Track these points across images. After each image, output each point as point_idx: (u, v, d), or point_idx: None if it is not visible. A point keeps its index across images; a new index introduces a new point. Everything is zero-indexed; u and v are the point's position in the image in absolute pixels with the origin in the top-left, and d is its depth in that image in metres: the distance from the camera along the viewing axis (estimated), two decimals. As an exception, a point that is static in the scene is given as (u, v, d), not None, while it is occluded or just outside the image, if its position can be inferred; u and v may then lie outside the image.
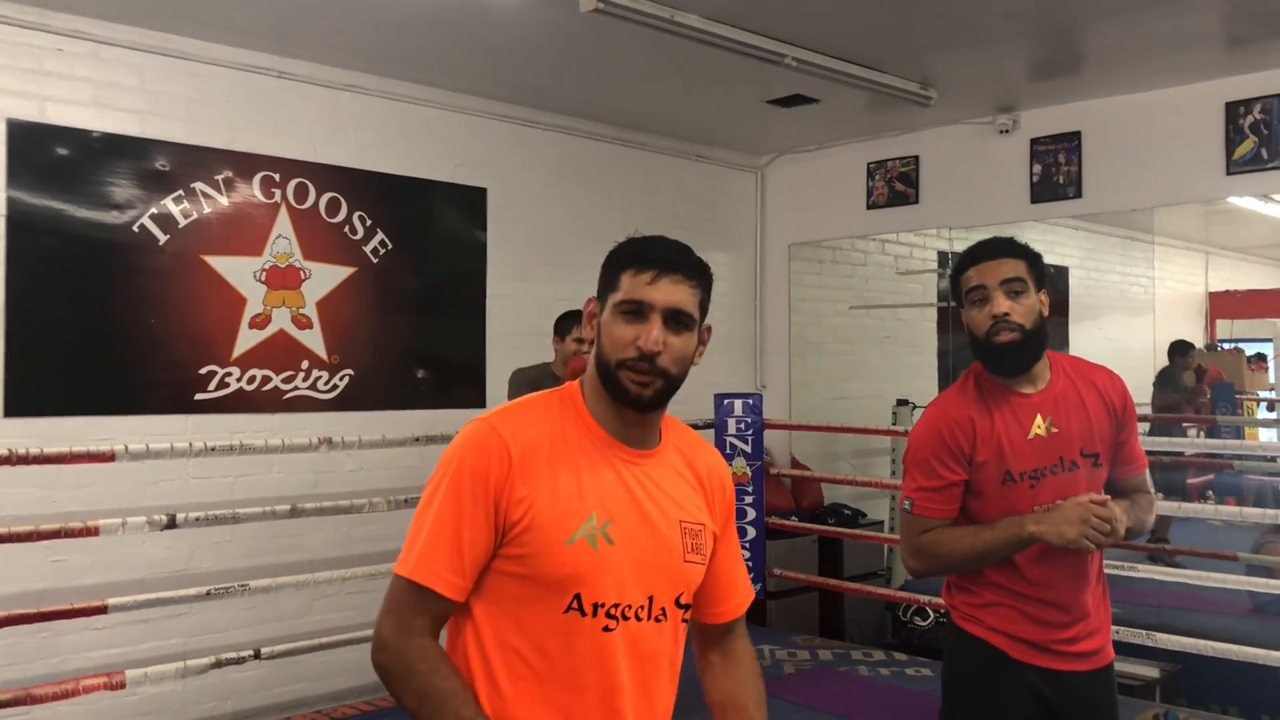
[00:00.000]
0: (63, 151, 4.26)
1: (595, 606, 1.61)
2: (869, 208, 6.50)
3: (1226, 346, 7.03)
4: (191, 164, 4.58)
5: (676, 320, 1.66)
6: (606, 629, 1.62)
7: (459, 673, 1.61)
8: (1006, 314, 2.33)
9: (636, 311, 1.65)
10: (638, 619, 1.65)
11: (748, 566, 5.94)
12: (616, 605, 1.63)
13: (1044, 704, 2.36)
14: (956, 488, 2.39)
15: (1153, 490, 2.57)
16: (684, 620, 1.75)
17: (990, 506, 2.38)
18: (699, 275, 1.70)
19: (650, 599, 1.67)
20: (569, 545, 1.60)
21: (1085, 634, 2.39)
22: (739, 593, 1.87)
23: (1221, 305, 7.09)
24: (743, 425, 5.94)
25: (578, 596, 1.60)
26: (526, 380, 4.48)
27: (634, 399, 1.66)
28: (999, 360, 2.39)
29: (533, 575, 1.60)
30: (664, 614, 1.69)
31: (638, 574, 1.65)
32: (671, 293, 1.65)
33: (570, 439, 1.67)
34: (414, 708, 1.59)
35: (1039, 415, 2.40)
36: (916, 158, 6.29)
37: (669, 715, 1.74)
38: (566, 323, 4.59)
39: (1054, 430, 2.39)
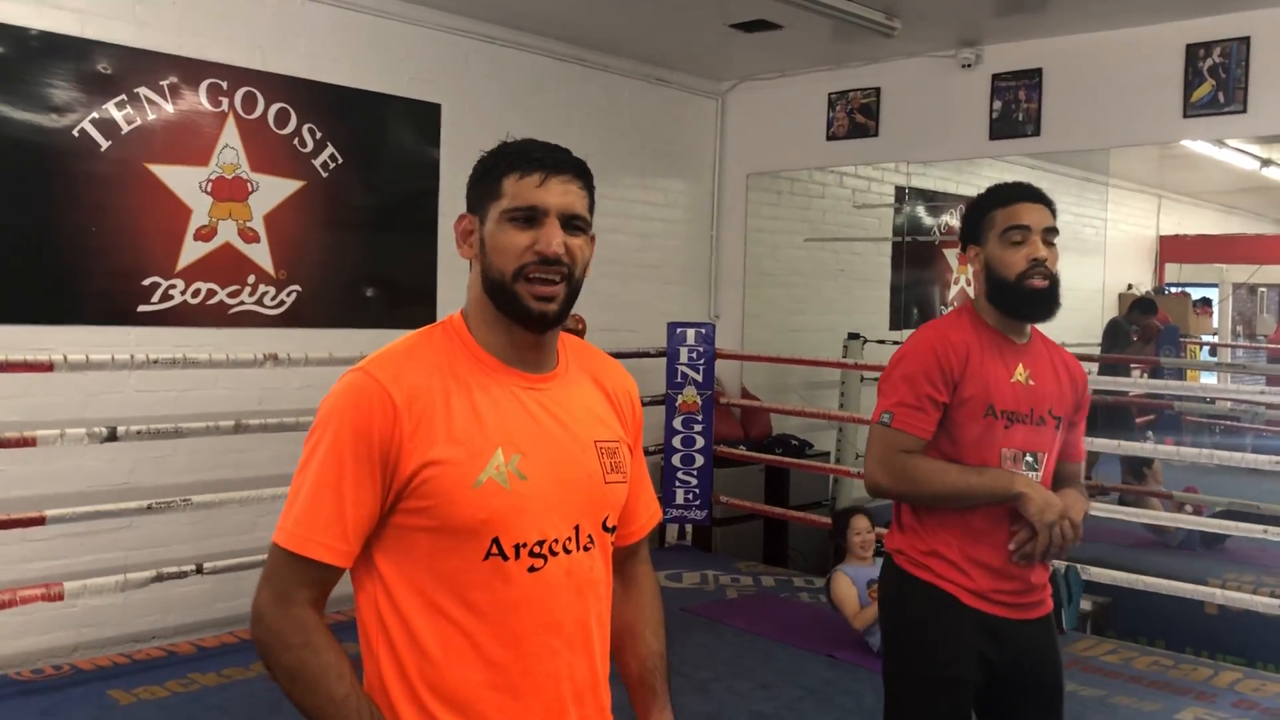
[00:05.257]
0: (-2, 49, 4.10)
1: (517, 548, 1.50)
2: (829, 139, 6.45)
3: (1174, 290, 7.13)
4: (135, 68, 4.42)
5: (571, 225, 1.54)
6: (533, 569, 1.51)
7: (335, 646, 1.48)
8: (1045, 259, 2.36)
9: (529, 219, 1.52)
10: (566, 551, 1.55)
11: (695, 493, 6.00)
12: (541, 542, 1.52)
13: (985, 658, 2.37)
14: (938, 410, 2.37)
15: (1084, 486, 2.58)
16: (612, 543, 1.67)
17: (966, 440, 2.37)
18: (586, 176, 1.58)
19: (576, 528, 1.56)
20: (477, 489, 1.48)
21: (1025, 587, 2.40)
22: (642, 514, 1.78)
23: (1171, 249, 7.17)
24: (695, 354, 5.95)
25: (496, 540, 1.49)
26: None
27: (537, 316, 1.52)
28: (1030, 304, 2.40)
29: (441, 525, 1.48)
30: (592, 541, 1.59)
31: (559, 505, 1.54)
32: (564, 195, 1.53)
33: (460, 374, 1.53)
34: (286, 687, 1.46)
35: (1021, 364, 2.44)
36: (878, 90, 6.24)
37: (607, 643, 1.66)
38: None
39: (1032, 383, 2.43)
